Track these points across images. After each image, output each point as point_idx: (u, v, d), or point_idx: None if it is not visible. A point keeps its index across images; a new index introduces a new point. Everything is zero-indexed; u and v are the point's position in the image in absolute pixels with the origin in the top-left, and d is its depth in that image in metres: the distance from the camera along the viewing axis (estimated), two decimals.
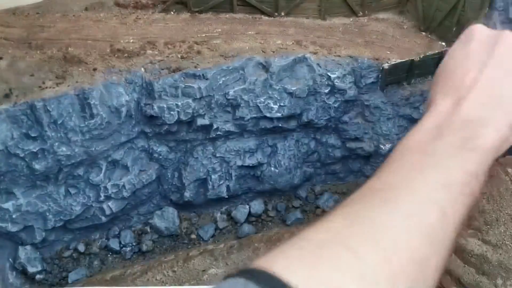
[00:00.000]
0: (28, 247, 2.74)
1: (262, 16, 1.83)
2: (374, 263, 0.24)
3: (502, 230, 0.62)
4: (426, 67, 2.90)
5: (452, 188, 0.28)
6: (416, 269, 0.25)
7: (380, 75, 2.71)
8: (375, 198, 0.26)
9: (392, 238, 0.25)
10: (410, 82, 2.93)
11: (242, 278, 0.23)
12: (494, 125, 0.28)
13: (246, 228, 3.01)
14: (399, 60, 2.76)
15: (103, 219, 2.16)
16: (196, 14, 1.73)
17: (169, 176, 1.70)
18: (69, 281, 2.87)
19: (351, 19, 2.53)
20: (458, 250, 0.56)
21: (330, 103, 1.87)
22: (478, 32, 0.33)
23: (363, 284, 0.23)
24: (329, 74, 1.46)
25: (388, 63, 2.77)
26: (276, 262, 0.24)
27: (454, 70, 0.30)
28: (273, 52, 1.40)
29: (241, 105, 1.17)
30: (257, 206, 3.36)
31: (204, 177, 1.81)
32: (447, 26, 3.11)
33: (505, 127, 0.28)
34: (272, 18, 1.73)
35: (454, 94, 0.29)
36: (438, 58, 2.84)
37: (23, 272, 2.88)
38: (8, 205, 1.51)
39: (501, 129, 0.28)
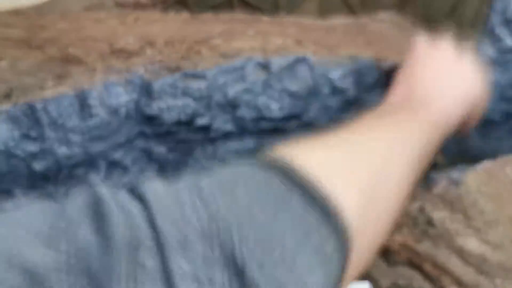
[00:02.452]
0: None
1: (262, 15, 1.84)
2: (357, 158, 0.29)
3: (502, 230, 0.62)
4: None
5: (402, 141, 0.35)
6: (377, 182, 0.28)
7: (380, 75, 2.86)
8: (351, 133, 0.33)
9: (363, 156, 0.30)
10: None
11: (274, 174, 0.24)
12: (436, 104, 0.37)
13: None
14: (399, 60, 2.88)
15: None
16: (196, 14, 1.74)
17: (169, 176, 1.71)
18: None
19: (351, 19, 2.57)
20: (458, 250, 0.56)
21: (331, 103, 1.86)
22: (421, 47, 0.46)
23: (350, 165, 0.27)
24: (329, 74, 1.45)
25: (388, 62, 2.80)
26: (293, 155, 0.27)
27: (408, 74, 0.44)
28: (273, 52, 1.40)
29: (241, 105, 1.16)
30: None
31: None
32: (447, 26, 3.13)
33: (445, 107, 0.38)
34: (272, 17, 1.73)
35: (406, 88, 0.41)
36: None
37: None
38: (9, 205, 1.53)
39: (443, 107, 0.37)
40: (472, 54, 0.46)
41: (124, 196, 0.18)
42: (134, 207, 0.17)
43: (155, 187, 0.19)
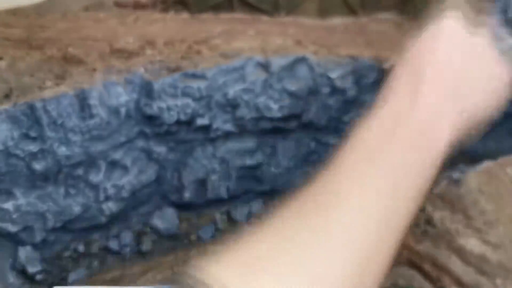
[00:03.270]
0: (28, 247, 2.74)
1: (262, 16, 1.83)
2: None
3: (502, 230, 0.61)
4: None
5: (396, 195, 0.26)
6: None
7: (380, 75, 2.79)
8: (310, 212, 0.25)
9: (324, 261, 0.23)
10: None
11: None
12: (448, 120, 0.28)
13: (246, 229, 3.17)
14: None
15: (103, 219, 2.16)
16: (196, 14, 1.73)
17: (169, 176, 1.71)
18: (69, 281, 2.85)
19: (351, 19, 2.56)
20: (458, 250, 0.56)
21: (331, 103, 1.86)
22: (448, 28, 0.33)
23: None
24: (329, 74, 1.45)
25: (388, 63, 2.76)
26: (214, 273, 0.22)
27: (418, 60, 0.31)
28: (273, 52, 1.39)
29: (241, 105, 1.17)
30: (257, 206, 3.34)
31: (204, 177, 1.83)
32: None
33: (458, 122, 0.29)
34: (272, 18, 1.73)
35: (413, 83, 0.29)
36: None
37: (23, 272, 2.86)
38: (8, 205, 1.52)
39: (456, 124, 0.28)
40: (490, 39, 0.35)
41: None
42: None
43: None
